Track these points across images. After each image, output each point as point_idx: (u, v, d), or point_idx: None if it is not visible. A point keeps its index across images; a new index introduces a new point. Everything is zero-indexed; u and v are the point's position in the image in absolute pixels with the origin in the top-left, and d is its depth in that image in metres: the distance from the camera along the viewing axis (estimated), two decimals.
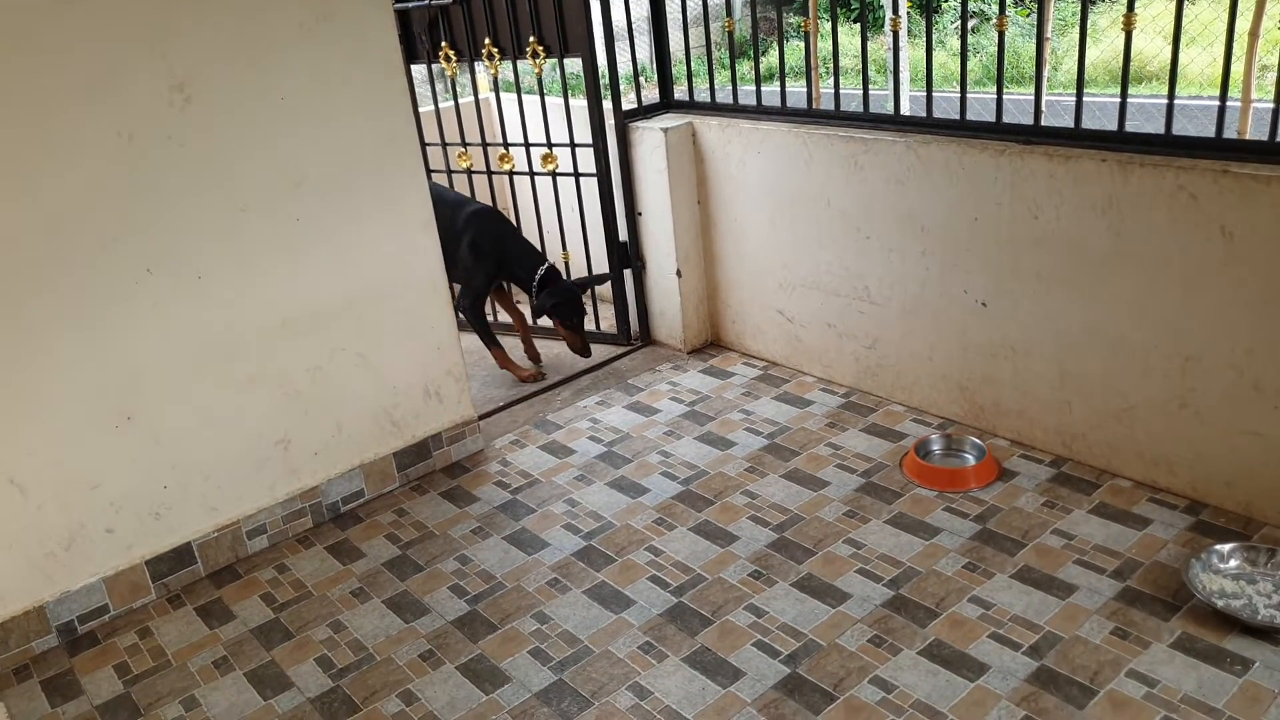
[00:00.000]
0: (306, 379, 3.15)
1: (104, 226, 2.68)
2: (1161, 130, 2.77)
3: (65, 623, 2.84)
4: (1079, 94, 2.94)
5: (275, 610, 2.89)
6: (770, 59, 10.53)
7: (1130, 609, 2.51)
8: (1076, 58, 2.91)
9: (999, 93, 3.13)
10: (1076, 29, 10.44)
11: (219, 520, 3.08)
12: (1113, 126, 2.90)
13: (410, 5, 4.19)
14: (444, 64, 4.22)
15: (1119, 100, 2.84)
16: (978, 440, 3.25)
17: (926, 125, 3.28)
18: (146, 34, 2.64)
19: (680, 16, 3.97)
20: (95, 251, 2.68)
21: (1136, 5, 2.73)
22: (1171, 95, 2.75)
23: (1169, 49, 2.71)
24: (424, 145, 3.41)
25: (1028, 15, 11.30)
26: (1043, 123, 3.05)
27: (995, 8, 12.21)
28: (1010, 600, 2.59)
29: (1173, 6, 2.63)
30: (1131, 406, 2.95)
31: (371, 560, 3.08)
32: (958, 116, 3.21)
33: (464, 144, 4.36)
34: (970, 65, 3.18)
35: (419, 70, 4.41)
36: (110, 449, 2.82)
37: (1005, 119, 3.11)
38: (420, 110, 4.11)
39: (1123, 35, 2.75)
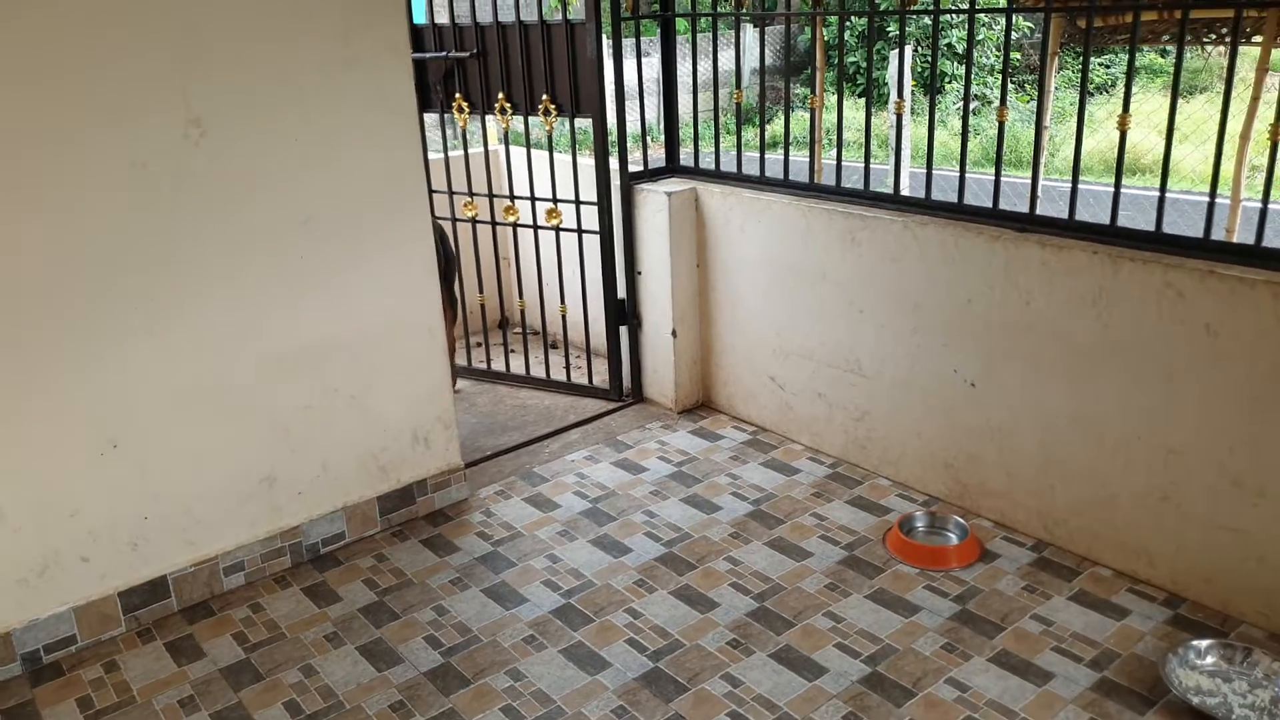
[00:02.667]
0: (297, 417, 3.15)
1: (110, 253, 2.70)
2: (1152, 226, 2.84)
3: (30, 651, 2.80)
4: (1074, 186, 3.01)
5: (247, 650, 2.86)
6: (775, 127, 10.72)
7: (1106, 700, 2.50)
8: (1073, 145, 2.99)
9: (996, 179, 3.20)
10: (1073, 117, 10.73)
11: (197, 555, 3.05)
12: (1105, 214, 2.97)
13: (428, 56, 4.27)
14: (456, 114, 4.29)
15: (1112, 191, 2.91)
16: (961, 520, 3.27)
17: (925, 206, 3.35)
18: (169, 67, 2.69)
19: (690, 80, 4.05)
20: (99, 277, 2.70)
21: (1133, 100, 2.81)
22: (1163, 194, 2.83)
23: (1162, 143, 2.79)
24: (431, 192, 3.45)
25: (1028, 101, 11.57)
26: (1038, 211, 3.12)
27: (996, 92, 12.50)
28: (987, 684, 2.59)
29: (1165, 101, 2.71)
30: (1113, 495, 2.97)
31: (348, 605, 3.05)
32: (955, 199, 3.28)
33: (471, 193, 4.42)
34: (970, 145, 3.25)
35: (429, 117, 4.47)
36: (93, 476, 2.81)
37: (1001, 203, 3.18)
38: (429, 157, 4.16)
39: (1116, 128, 2.83)
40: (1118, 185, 2.89)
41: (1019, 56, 12.68)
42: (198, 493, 3.01)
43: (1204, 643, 2.61)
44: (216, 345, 2.94)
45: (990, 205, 3.19)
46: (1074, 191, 3.01)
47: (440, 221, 4.25)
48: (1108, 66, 12.02)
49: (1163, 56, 11.69)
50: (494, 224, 4.46)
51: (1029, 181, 4.96)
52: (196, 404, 2.94)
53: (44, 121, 2.54)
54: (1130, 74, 2.83)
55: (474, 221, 4.44)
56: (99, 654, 2.86)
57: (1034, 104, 11.41)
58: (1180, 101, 2.80)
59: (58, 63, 2.53)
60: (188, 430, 2.94)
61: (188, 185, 2.79)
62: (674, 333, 4.15)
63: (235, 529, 3.11)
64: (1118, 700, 2.50)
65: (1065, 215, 3.02)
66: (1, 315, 2.57)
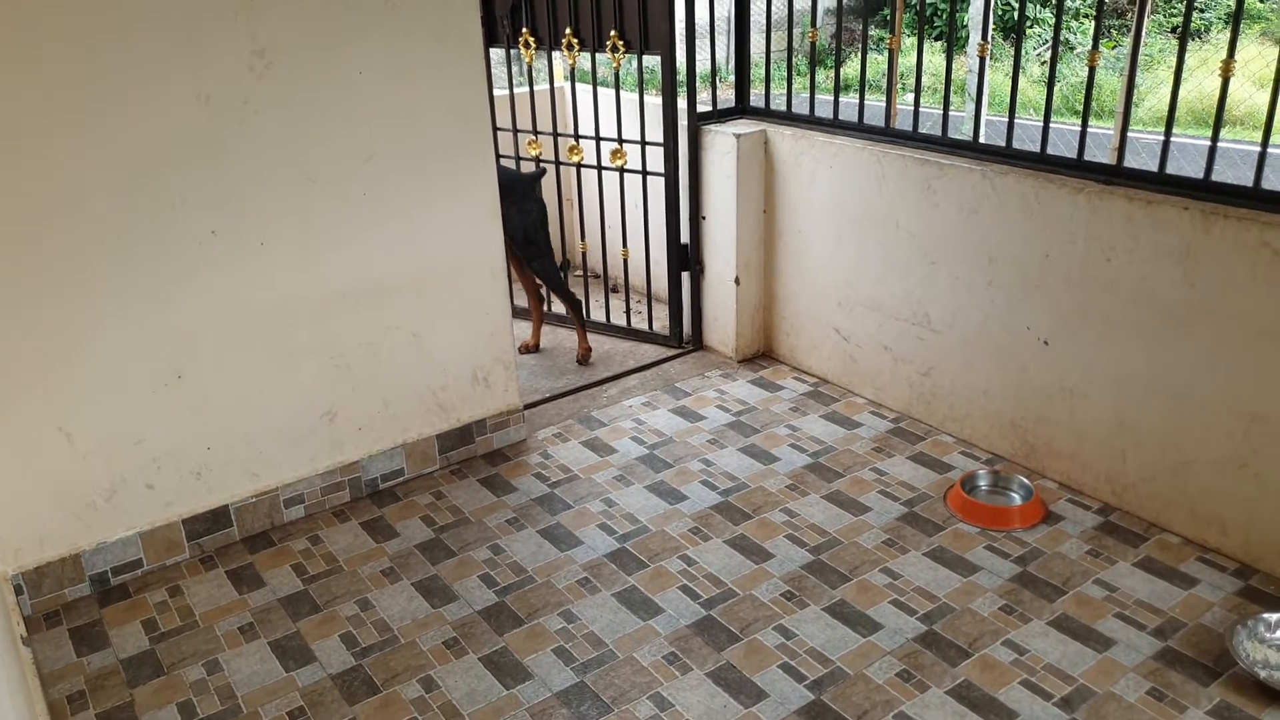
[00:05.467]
0: (358, 353, 3.17)
1: (175, 186, 2.71)
2: (1249, 181, 2.68)
3: (99, 573, 2.89)
4: (1167, 136, 2.85)
5: (305, 582, 2.91)
6: (849, 69, 10.42)
7: (1169, 670, 2.43)
8: (1160, 95, 2.83)
9: (1083, 128, 3.05)
10: (1160, 65, 10.23)
11: (258, 486, 3.10)
12: (1192, 169, 2.82)
13: None
14: (522, 50, 4.22)
15: (1208, 144, 2.75)
16: (1026, 480, 3.18)
17: (1005, 155, 3.21)
18: (232, 0, 2.66)
19: (763, 20, 3.94)
20: (164, 210, 2.71)
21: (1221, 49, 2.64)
22: (1264, 147, 2.66)
23: (1255, 93, 2.61)
24: (495, 129, 3.40)
25: (1113, 47, 11.06)
26: (1125, 163, 2.97)
27: (1080, 36, 11.97)
28: (1045, 648, 2.53)
29: (1262, 50, 2.53)
30: (1189, 461, 2.86)
31: (405, 540, 3.09)
32: (1037, 148, 3.14)
33: (535, 132, 4.36)
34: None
35: (495, 54, 4.41)
36: (158, 405, 2.86)
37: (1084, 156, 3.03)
38: (493, 93, 4.11)
39: (1211, 76, 2.66)
40: (1215, 137, 2.73)
41: (1107, 0, 12.10)
42: (259, 425, 3.05)
43: (1275, 615, 2.52)
44: (279, 280, 2.95)
45: (1074, 156, 3.05)
46: (1166, 143, 2.85)
47: (527, 171, 4.22)
48: (1201, 10, 11.41)
49: (1262, 1, 11.06)
50: (558, 163, 4.40)
51: (1111, 132, 4.74)
52: (259, 338, 2.97)
53: (112, 53, 2.53)
54: (1238, 15, 2.64)
55: (538, 161, 4.38)
56: (164, 578, 2.94)
57: (1118, 50, 10.91)
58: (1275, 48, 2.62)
59: None
60: (250, 363, 2.97)
61: (251, 119, 2.77)
62: (737, 280, 4.08)
63: (296, 462, 3.16)
64: (1181, 670, 2.43)
65: (1154, 168, 2.87)
66: (70, 247, 2.60)
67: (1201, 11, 11.43)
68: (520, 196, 4.03)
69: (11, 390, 2.63)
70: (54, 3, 2.42)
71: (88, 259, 2.64)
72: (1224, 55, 2.64)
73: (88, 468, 2.80)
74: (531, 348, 4.40)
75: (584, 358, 4.27)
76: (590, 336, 4.48)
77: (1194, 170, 2.83)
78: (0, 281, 2.53)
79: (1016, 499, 3.15)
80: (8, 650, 2.21)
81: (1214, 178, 2.74)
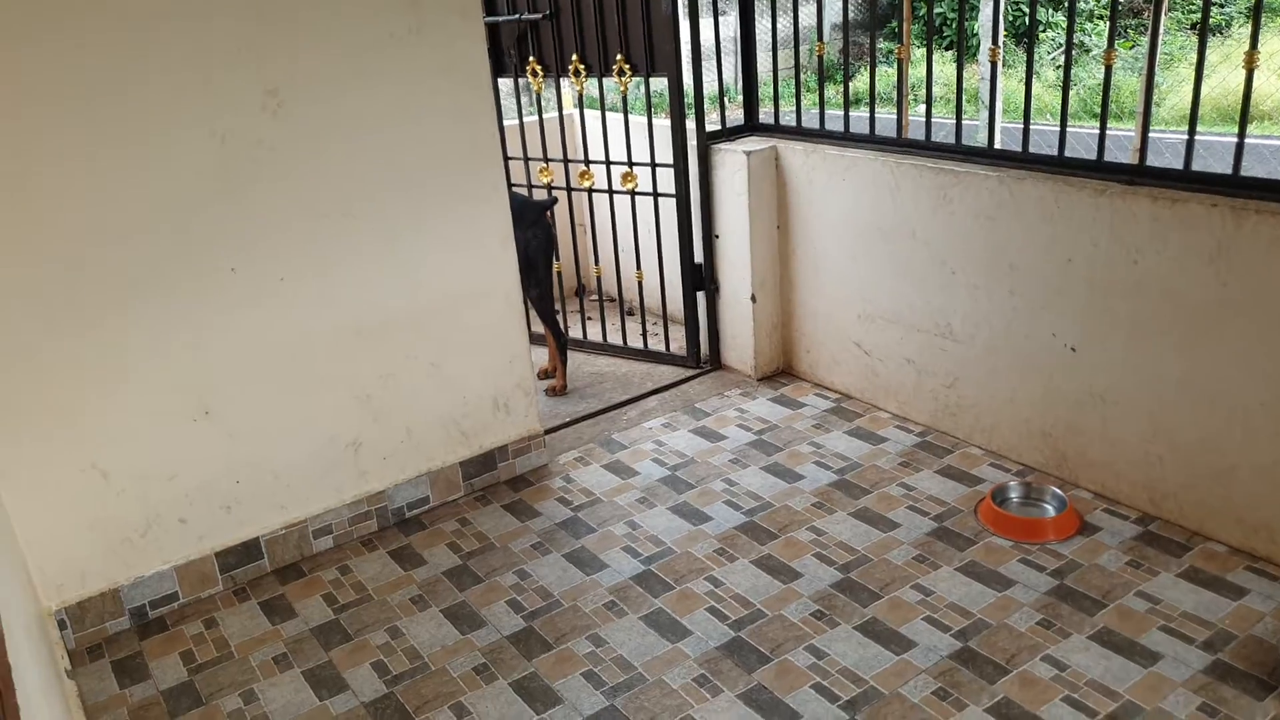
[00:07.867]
0: (379, 384, 3.17)
1: (194, 225, 2.74)
2: (1278, 174, 2.63)
3: (138, 606, 2.91)
4: (1191, 134, 2.80)
5: (336, 611, 2.91)
6: (859, 83, 10.41)
7: (1221, 685, 2.36)
8: (1182, 94, 2.80)
9: (1102, 129, 3.01)
10: (1180, 62, 10.14)
11: (287, 518, 3.11)
12: (1220, 167, 2.76)
13: (500, 19, 4.22)
14: (530, 79, 4.24)
15: (1236, 139, 2.70)
16: (1059, 490, 3.13)
17: (1022, 160, 3.18)
18: (244, 42, 2.70)
19: (769, 38, 3.94)
20: (184, 249, 2.74)
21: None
22: None
23: None
24: (506, 159, 3.42)
25: (1130, 47, 10.98)
26: (1147, 162, 2.93)
27: (1095, 38, 11.89)
28: (1087, 663, 2.47)
29: None
30: (1232, 467, 2.80)
31: (432, 568, 3.08)
32: (1055, 152, 3.10)
33: (546, 159, 4.37)
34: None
35: (504, 83, 4.44)
36: (188, 441, 2.88)
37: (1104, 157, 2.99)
38: (504, 123, 4.13)
39: (1234, 72, 2.63)
40: (1242, 131, 2.68)
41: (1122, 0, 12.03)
42: (286, 458, 3.06)
43: None
44: (299, 314, 2.97)
45: (1094, 158, 3.01)
46: (1191, 140, 2.80)
47: (539, 198, 4.22)
48: (1221, 6, 11.30)
49: None
50: (569, 189, 4.42)
51: (1131, 134, 4.68)
52: (281, 372, 2.99)
53: (132, 98, 2.57)
54: (1259, 7, 2.59)
55: (549, 188, 4.40)
56: (199, 611, 2.96)
57: (1135, 50, 10.83)
58: None
59: (144, 39, 2.56)
60: (274, 398, 2.99)
61: (266, 156, 2.80)
62: (753, 298, 4.06)
63: (323, 493, 3.16)
64: (1234, 684, 2.36)
65: (1179, 166, 2.83)
66: (98, 289, 2.64)
67: (1221, 6, 11.31)
68: (529, 222, 4.03)
69: (50, 431, 2.67)
70: (73, 50, 2.46)
71: (116, 300, 2.68)
72: (1246, 49, 2.61)
73: (123, 504, 2.82)
74: (550, 372, 4.39)
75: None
76: (607, 359, 4.48)
77: (1221, 168, 2.78)
78: (34, 325, 2.58)
79: (1050, 510, 3.09)
80: (53, 683, 2.24)
81: (1243, 173, 2.69)
